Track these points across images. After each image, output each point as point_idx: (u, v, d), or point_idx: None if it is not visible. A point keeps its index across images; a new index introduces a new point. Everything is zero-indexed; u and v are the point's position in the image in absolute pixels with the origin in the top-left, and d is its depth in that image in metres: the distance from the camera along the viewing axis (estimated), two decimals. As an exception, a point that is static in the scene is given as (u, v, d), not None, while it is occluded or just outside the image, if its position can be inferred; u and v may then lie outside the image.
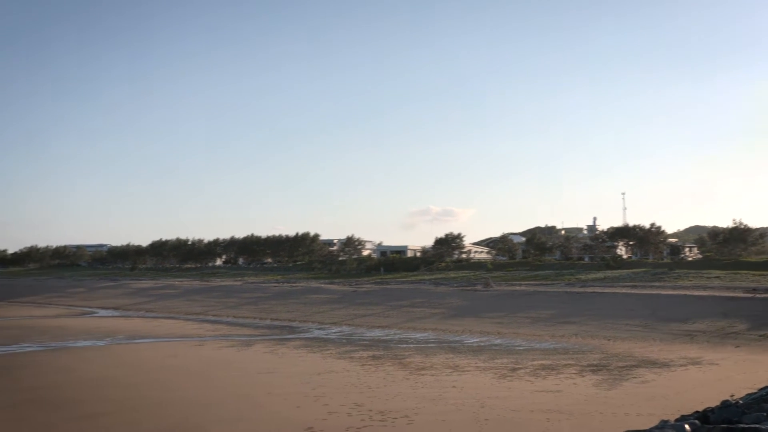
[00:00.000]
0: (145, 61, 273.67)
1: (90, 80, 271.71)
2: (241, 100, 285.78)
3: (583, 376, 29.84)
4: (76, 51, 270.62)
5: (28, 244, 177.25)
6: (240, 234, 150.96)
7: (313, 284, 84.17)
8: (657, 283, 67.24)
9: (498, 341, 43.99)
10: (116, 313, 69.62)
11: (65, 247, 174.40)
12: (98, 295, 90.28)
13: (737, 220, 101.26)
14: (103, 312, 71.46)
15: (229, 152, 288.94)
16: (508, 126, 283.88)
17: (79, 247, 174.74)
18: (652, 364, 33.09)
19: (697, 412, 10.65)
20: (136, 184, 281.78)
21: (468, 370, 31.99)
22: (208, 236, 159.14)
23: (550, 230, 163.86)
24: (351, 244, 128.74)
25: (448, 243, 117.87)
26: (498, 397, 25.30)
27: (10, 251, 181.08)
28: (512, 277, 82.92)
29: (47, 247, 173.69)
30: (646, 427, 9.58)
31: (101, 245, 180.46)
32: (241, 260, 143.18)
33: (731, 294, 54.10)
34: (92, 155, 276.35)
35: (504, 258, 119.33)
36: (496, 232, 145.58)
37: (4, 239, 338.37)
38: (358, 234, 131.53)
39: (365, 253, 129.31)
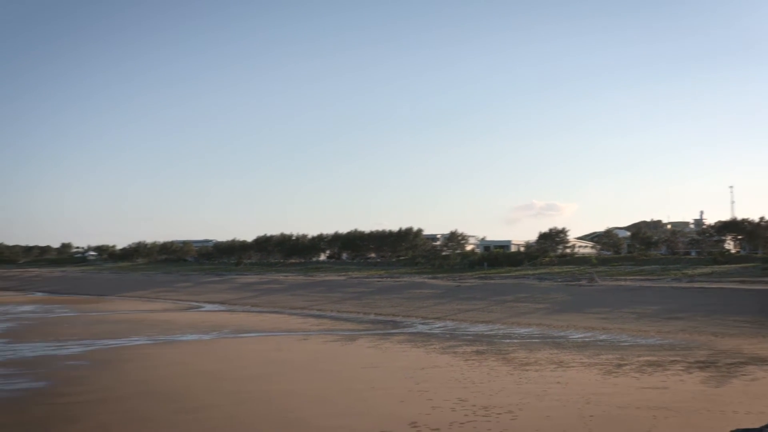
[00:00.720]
0: (245, 59, 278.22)
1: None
2: (342, 96, 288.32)
3: (690, 373, 29.05)
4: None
5: (136, 240, 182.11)
6: (344, 229, 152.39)
7: (417, 279, 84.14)
8: (767, 279, 65.22)
9: (603, 337, 43.20)
10: (222, 308, 70.83)
11: (172, 242, 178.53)
12: (204, 289, 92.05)
13: None
14: (209, 306, 72.80)
15: (334, 148, 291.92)
16: (611, 120, 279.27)
17: (185, 243, 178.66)
18: (762, 361, 32.01)
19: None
20: (243, 181, 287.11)
21: (572, 366, 31.48)
22: (312, 232, 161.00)
23: (656, 224, 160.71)
24: (454, 239, 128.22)
25: (552, 238, 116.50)
26: (603, 394, 24.79)
27: (119, 247, 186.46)
28: (617, 272, 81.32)
29: (155, 242, 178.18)
30: (756, 426, 9.27)
31: (207, 241, 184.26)
32: (344, 255, 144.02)
33: None
34: (194, 152, 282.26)
35: (608, 253, 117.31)
36: (600, 227, 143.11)
37: (113, 235, 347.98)
38: (462, 229, 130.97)
39: (468, 248, 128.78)
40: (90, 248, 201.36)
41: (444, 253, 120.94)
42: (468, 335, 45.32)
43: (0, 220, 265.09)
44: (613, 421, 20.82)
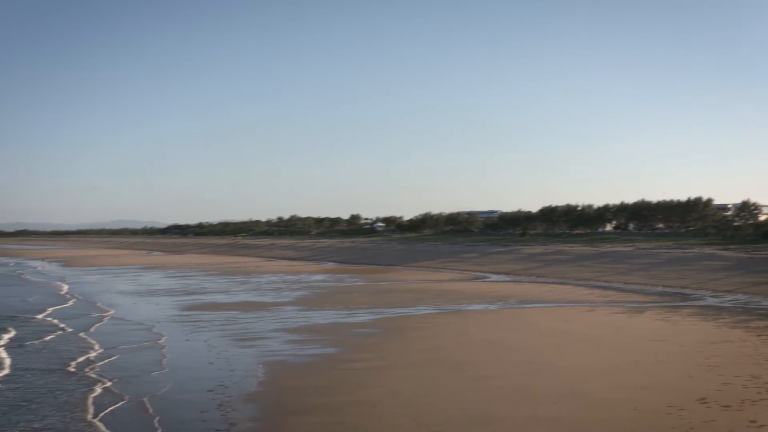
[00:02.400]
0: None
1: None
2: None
3: None
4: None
5: (423, 211, 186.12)
6: (630, 199, 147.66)
7: (706, 250, 79.91)
8: None
9: None
10: (507, 278, 70.84)
11: (458, 213, 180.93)
12: (490, 260, 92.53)
13: None
14: (494, 277, 73.07)
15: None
16: None
17: (471, 214, 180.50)
18: None
19: None
20: (526, 154, 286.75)
21: None
22: (597, 202, 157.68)
23: None
24: (746, 208, 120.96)
25: None
26: None
27: (406, 218, 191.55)
28: None
29: (441, 213, 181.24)
30: None
31: (492, 211, 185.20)
32: (631, 226, 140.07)
33: None
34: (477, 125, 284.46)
35: None
36: None
37: (401, 207, 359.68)
38: (755, 198, 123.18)
39: (762, 218, 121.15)
40: (378, 219, 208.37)
41: (735, 224, 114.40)
42: (761, 309, 42.42)
43: (295, 195, 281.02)
44: None
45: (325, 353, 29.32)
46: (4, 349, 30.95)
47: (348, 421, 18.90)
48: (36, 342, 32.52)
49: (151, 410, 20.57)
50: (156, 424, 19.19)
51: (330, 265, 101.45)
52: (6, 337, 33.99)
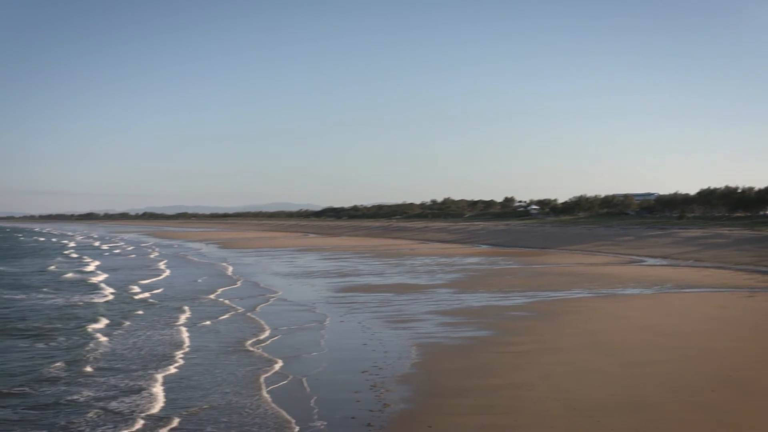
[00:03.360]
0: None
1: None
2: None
3: None
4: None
5: (577, 194, 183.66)
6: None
7: None
8: None
9: None
10: (664, 262, 68.99)
11: (613, 196, 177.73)
12: (646, 243, 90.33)
13: None
14: (650, 260, 71.30)
15: None
16: None
17: (626, 196, 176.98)
18: None
19: None
20: (682, 131, 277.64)
21: None
22: (759, 184, 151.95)
23: None
24: None
25: None
26: None
27: (560, 200, 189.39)
28: None
29: (596, 196, 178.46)
30: None
31: (649, 194, 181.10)
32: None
33: None
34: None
35: None
36: None
37: (555, 189, 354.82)
38: None
39: None
40: (532, 202, 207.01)
41: None
42: None
43: (448, 178, 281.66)
44: None
45: (478, 336, 29.51)
46: (184, 327, 32.80)
47: (500, 404, 19.04)
48: (209, 323, 34.04)
49: (308, 389, 21.28)
50: (312, 404, 19.83)
51: (483, 247, 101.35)
52: (183, 317, 35.92)
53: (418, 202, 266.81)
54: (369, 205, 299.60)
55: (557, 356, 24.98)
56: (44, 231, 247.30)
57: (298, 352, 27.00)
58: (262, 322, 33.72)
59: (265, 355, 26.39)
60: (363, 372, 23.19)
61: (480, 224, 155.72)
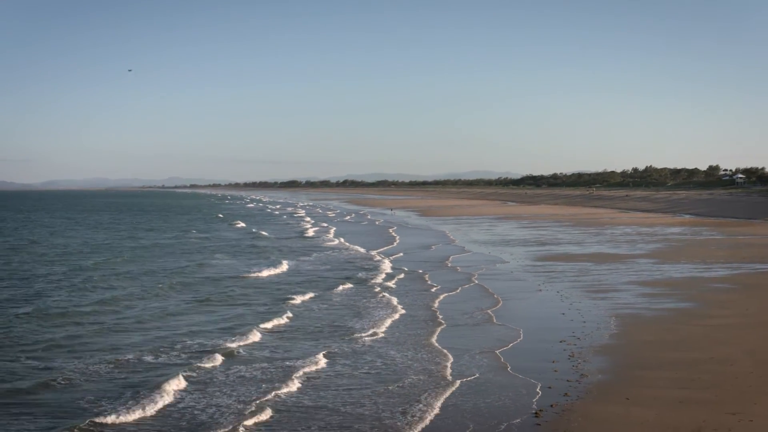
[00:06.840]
0: None
1: None
2: None
3: None
4: None
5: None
6: None
7: None
8: None
9: None
10: None
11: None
12: None
13: None
14: None
15: None
16: None
17: None
18: None
19: None
20: None
21: None
22: None
23: None
24: None
25: None
26: None
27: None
28: None
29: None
30: None
31: None
32: None
33: None
34: None
35: None
36: None
37: (763, 158, 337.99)
38: None
39: None
40: (738, 171, 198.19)
41: None
42: None
43: (651, 146, 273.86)
44: None
45: (679, 308, 29.04)
46: (440, 292, 34.52)
47: (702, 379, 18.80)
48: (454, 293, 34.48)
49: (502, 359, 21.76)
50: (511, 371, 20.30)
51: (686, 217, 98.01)
52: (435, 286, 36.61)
53: (619, 170, 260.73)
54: (569, 174, 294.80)
55: (763, 331, 24.31)
56: (264, 200, 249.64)
57: (516, 317, 27.98)
58: (494, 293, 34.25)
59: (498, 323, 27.27)
60: (561, 341, 23.44)
61: (683, 193, 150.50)
